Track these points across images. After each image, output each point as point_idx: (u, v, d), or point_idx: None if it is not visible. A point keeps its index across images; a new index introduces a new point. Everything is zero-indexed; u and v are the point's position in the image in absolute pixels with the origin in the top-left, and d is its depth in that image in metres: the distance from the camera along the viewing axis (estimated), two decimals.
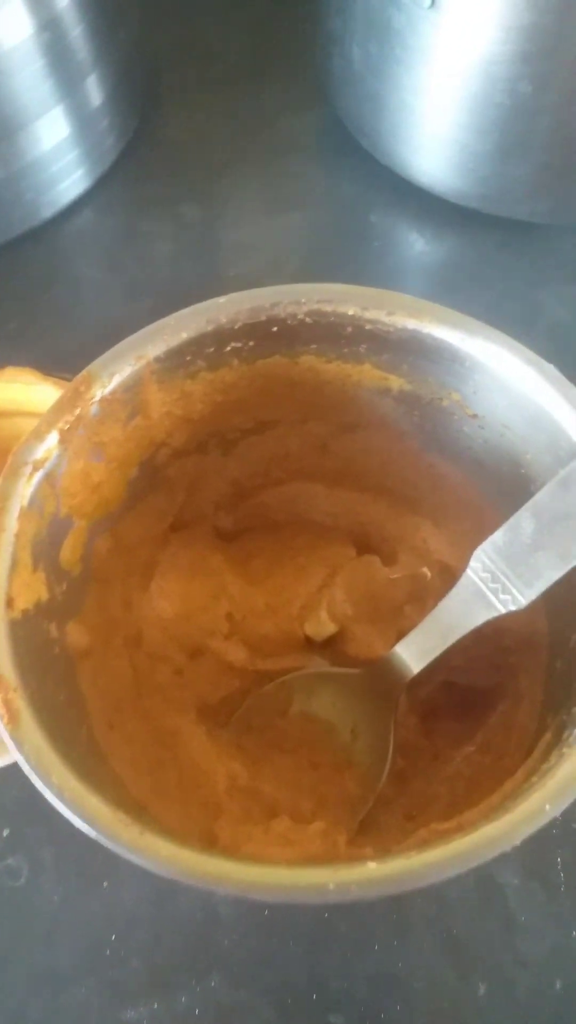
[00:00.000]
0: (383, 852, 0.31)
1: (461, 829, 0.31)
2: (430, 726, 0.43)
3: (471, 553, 0.43)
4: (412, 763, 0.41)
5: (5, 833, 0.47)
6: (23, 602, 0.34)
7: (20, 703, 0.31)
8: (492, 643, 0.41)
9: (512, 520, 0.36)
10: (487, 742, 0.41)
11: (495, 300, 0.64)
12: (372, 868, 0.28)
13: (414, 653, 0.39)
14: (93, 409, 0.37)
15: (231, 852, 0.34)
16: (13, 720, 0.31)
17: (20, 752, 0.30)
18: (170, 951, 0.45)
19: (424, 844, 0.31)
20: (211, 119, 0.74)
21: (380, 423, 0.44)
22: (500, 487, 0.42)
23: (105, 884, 0.46)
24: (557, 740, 0.33)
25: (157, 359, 0.38)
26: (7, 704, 0.31)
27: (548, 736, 0.34)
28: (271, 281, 0.67)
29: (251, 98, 0.75)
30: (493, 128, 0.59)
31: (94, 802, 0.30)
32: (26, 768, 0.30)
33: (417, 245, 0.67)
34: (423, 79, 0.59)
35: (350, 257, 0.67)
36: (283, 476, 0.47)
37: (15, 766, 0.31)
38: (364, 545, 0.46)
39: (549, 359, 0.36)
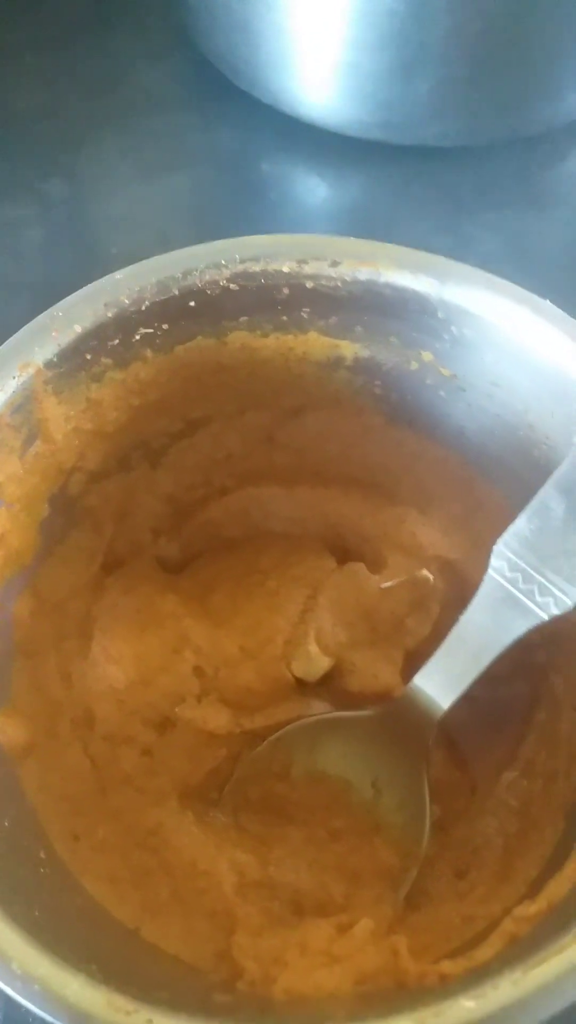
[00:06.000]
0: (463, 958, 0.24)
1: (553, 908, 0.25)
2: (458, 754, 0.36)
3: (472, 539, 0.36)
4: (448, 806, 0.34)
5: None
6: None
7: None
8: None
9: (535, 502, 0.29)
10: (530, 763, 0.34)
11: (417, 241, 0.56)
12: (470, 1009, 0.20)
13: (440, 684, 0.31)
14: None
15: (263, 990, 0.26)
16: None
17: None
18: None
19: (515, 943, 0.24)
20: (57, 82, 0.66)
21: (333, 401, 0.37)
22: (493, 456, 0.35)
23: None
24: None
25: (48, 364, 0.31)
26: None
27: None
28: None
29: (98, 52, 0.67)
30: (388, 42, 0.52)
31: (77, 988, 0.22)
32: None
33: (320, 191, 0.60)
34: None
35: (246, 215, 0.59)
36: (228, 483, 0.39)
37: None
38: (343, 551, 0.38)
39: None
